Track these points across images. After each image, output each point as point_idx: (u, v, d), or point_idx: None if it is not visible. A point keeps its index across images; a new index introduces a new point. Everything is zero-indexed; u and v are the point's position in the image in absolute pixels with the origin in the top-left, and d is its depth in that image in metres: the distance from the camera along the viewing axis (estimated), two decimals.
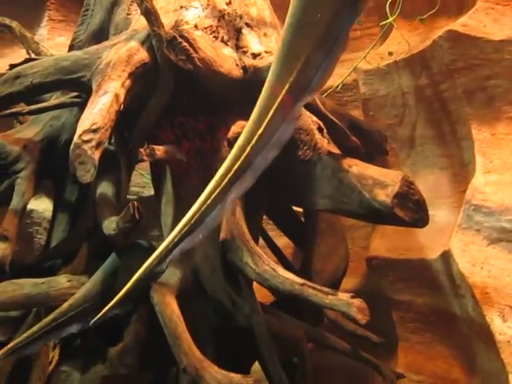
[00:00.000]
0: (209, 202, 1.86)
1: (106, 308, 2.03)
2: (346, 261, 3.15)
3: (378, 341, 2.85)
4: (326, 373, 3.35)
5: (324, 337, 2.83)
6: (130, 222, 2.10)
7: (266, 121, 1.86)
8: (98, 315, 2.07)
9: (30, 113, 2.79)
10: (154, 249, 2.62)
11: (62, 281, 2.44)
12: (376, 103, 3.23)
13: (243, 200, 2.42)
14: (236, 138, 1.98)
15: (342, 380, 3.44)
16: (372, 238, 3.38)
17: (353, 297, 2.04)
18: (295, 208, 3.23)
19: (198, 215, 1.86)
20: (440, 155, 3.09)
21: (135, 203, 2.09)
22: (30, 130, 2.84)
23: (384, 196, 2.25)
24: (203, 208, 1.86)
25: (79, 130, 2.07)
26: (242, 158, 1.85)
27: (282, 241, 3.46)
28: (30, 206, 2.94)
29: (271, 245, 3.22)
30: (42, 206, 3.13)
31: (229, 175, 1.84)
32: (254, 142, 1.87)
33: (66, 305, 2.31)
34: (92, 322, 2.13)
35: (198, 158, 2.56)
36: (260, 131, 1.89)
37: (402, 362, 3.25)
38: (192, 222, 1.88)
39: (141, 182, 3.60)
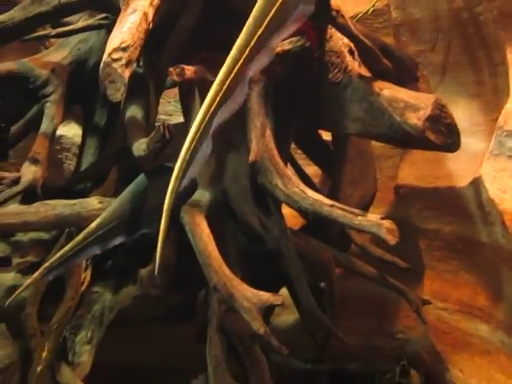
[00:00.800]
0: (227, 82, 1.68)
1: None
2: (374, 188, 3.14)
3: (406, 266, 2.86)
4: (351, 300, 3.40)
5: (351, 262, 2.85)
6: (159, 142, 2.09)
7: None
8: None
9: (58, 35, 2.77)
10: None
11: (93, 202, 2.46)
12: (408, 28, 3.15)
13: (273, 123, 2.41)
14: None
15: (367, 307, 3.48)
16: (400, 168, 3.35)
17: (382, 218, 2.04)
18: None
19: (219, 95, 1.67)
20: (473, 82, 3.02)
21: (165, 123, 2.08)
22: (58, 54, 2.82)
23: (415, 119, 2.22)
24: (224, 86, 1.68)
25: (108, 49, 2.05)
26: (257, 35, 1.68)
27: (310, 170, 3.46)
28: (59, 132, 2.96)
29: (300, 172, 3.21)
30: (71, 131, 3.14)
31: (244, 55, 1.66)
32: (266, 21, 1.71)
33: (94, 224, 2.32)
34: None
35: None
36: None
37: (428, 289, 3.27)
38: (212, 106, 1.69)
39: (168, 109, 3.59)
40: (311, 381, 3.06)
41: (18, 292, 2.26)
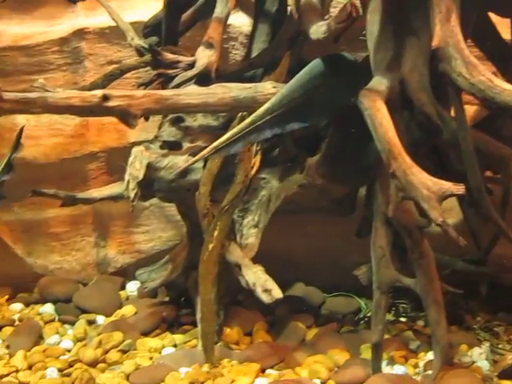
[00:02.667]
0: None
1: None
2: None
3: None
4: None
5: None
6: (344, 22, 2.03)
7: None
8: None
9: None
10: (357, 63, 2.60)
11: (267, 86, 2.46)
12: None
13: (459, 8, 2.25)
14: None
15: None
16: None
17: None
18: None
19: None
20: None
21: (352, 1, 2.00)
22: None
23: None
24: None
25: None
26: None
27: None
28: None
29: None
30: (239, 20, 3.12)
31: None
32: None
33: (262, 109, 2.31)
34: None
35: None
36: None
37: None
38: None
39: None
40: (472, 283, 2.99)
41: (187, 164, 2.33)
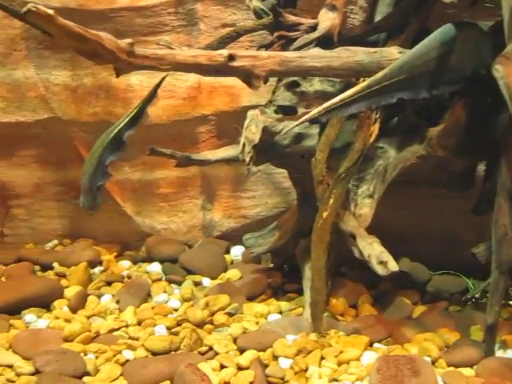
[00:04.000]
0: None
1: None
2: None
3: None
4: None
5: None
6: None
7: None
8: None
9: None
10: (486, 31, 2.45)
11: (393, 52, 2.36)
12: None
13: None
14: None
15: None
16: None
17: None
18: None
19: None
20: None
21: None
22: None
23: None
24: None
25: None
26: None
27: None
28: None
29: None
30: None
31: None
32: None
33: (380, 73, 2.21)
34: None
35: None
36: None
37: None
38: None
39: None
40: None
41: (294, 125, 2.27)
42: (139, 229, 3.47)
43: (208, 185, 3.47)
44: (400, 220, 3.14)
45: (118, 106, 3.39)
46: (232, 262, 3.32)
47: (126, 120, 2.88)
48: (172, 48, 2.09)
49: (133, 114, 2.88)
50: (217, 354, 2.48)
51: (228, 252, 3.39)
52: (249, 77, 2.19)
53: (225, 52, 2.13)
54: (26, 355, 2.46)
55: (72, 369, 2.33)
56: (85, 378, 2.34)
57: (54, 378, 2.27)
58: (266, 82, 2.62)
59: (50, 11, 1.72)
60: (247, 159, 2.55)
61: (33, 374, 2.35)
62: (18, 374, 2.35)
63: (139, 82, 3.37)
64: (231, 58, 2.13)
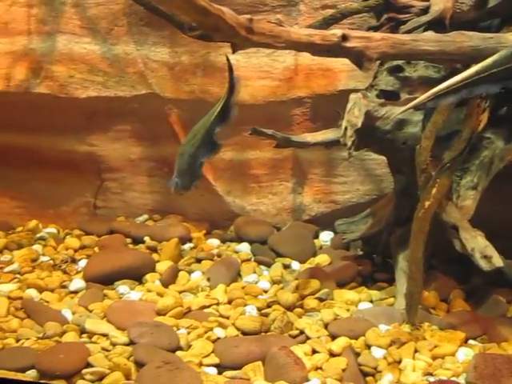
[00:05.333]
0: None
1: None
2: None
3: None
4: None
5: None
6: None
7: None
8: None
9: None
10: None
11: (510, 38, 2.26)
12: None
13: None
14: None
15: None
16: None
17: None
18: None
19: None
20: None
21: None
22: None
23: None
24: None
25: None
26: None
27: None
28: None
29: None
30: None
31: None
32: None
33: (490, 60, 2.11)
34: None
35: None
36: None
37: None
38: None
39: None
40: None
41: (402, 110, 2.20)
42: (228, 208, 3.47)
43: (300, 168, 3.44)
44: (500, 214, 3.03)
45: (214, 85, 3.39)
46: (321, 247, 3.28)
47: (223, 102, 2.85)
48: (282, 26, 2.05)
49: (226, 98, 2.84)
50: (308, 338, 2.46)
51: (316, 237, 3.35)
52: (360, 58, 2.14)
53: (338, 32, 2.08)
54: (120, 325, 2.50)
55: (167, 342, 2.35)
56: (178, 353, 2.36)
57: (149, 350, 2.30)
58: (382, 65, 2.56)
59: None
60: (349, 143, 2.50)
61: (127, 345, 2.39)
62: (113, 344, 2.39)
63: (236, 61, 3.35)
64: (344, 38, 2.08)
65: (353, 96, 2.63)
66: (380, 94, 2.74)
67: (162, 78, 3.39)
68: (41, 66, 3.32)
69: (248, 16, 1.89)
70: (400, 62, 2.74)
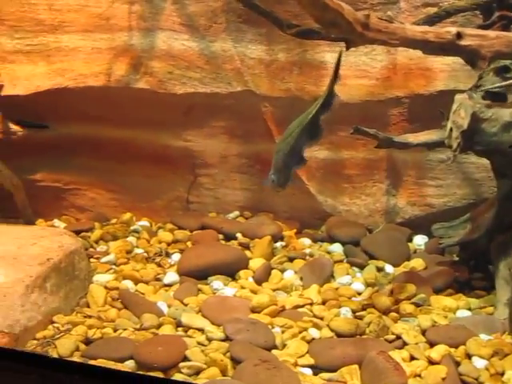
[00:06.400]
0: None
1: None
2: None
3: None
4: None
5: None
6: None
7: None
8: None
9: None
10: None
11: None
12: None
13: None
14: None
15: None
16: None
17: None
18: None
19: None
20: None
21: None
22: None
23: None
24: None
25: None
26: None
27: None
28: None
29: None
30: None
31: None
32: None
33: None
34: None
35: None
36: None
37: None
38: None
39: None
40: None
41: None
42: (320, 208, 3.43)
43: (394, 169, 3.37)
44: None
45: (310, 83, 3.36)
46: (415, 251, 3.20)
47: (321, 102, 2.82)
48: (392, 22, 2.00)
49: (325, 96, 2.82)
50: (405, 344, 2.40)
51: (410, 240, 3.27)
52: (474, 57, 2.07)
53: (453, 29, 2.02)
54: (215, 321, 2.52)
55: (263, 340, 2.35)
56: (273, 351, 2.35)
57: (246, 347, 2.30)
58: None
59: None
60: (454, 145, 2.42)
61: (223, 340, 2.40)
62: (209, 339, 2.41)
63: (333, 59, 3.33)
64: (459, 36, 2.01)
65: (458, 97, 2.54)
66: (486, 95, 2.64)
67: (257, 76, 3.38)
68: (140, 62, 3.37)
69: (365, 12, 1.85)
70: (507, 62, 2.64)
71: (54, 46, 3.44)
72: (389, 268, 3.01)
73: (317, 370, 2.30)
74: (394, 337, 2.45)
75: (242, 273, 2.90)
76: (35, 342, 2.44)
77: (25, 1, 3.46)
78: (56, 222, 3.53)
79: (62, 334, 2.46)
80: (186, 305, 2.66)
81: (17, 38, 3.47)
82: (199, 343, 2.40)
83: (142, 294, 2.80)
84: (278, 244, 3.21)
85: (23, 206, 3.11)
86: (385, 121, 3.30)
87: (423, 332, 2.47)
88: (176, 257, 3.10)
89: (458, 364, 2.28)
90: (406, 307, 2.62)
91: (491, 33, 2.10)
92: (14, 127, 3.45)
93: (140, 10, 3.43)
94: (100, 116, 3.46)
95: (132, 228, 3.44)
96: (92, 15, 3.43)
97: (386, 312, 2.61)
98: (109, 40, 3.42)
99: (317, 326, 2.50)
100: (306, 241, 3.29)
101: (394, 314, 2.61)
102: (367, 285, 2.85)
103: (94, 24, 3.43)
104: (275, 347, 2.38)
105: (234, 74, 3.38)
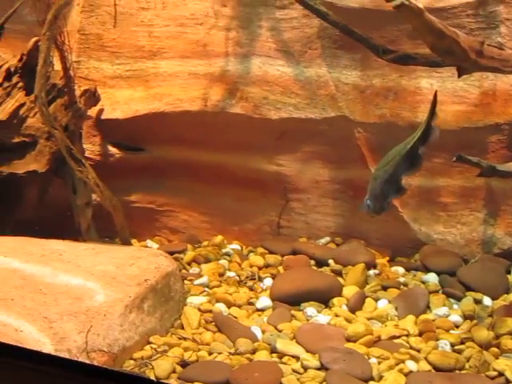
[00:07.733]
0: None
1: None
2: None
3: None
4: None
5: None
6: None
7: None
8: None
9: None
10: None
11: None
12: None
13: None
14: None
15: None
16: None
17: None
18: None
19: None
20: None
21: None
22: None
23: None
24: None
25: None
26: None
27: None
28: None
29: None
30: None
31: None
32: None
33: None
34: None
35: None
36: None
37: None
38: None
39: None
40: None
41: None
42: (414, 236, 3.36)
43: (492, 198, 3.27)
44: None
45: (405, 109, 3.32)
46: None
47: (420, 133, 2.79)
48: (502, 49, 1.96)
49: (424, 129, 2.79)
50: (508, 381, 2.32)
51: (509, 272, 3.15)
52: None
53: None
54: (309, 348, 2.50)
55: (360, 371, 2.32)
56: (370, 383, 2.31)
57: (343, 377, 2.27)
58: None
59: (421, 5, 1.69)
60: None
61: (318, 369, 2.37)
62: (305, 367, 2.39)
63: (429, 85, 3.29)
64: None
65: None
66: None
67: (352, 101, 3.37)
68: (236, 88, 3.43)
69: (480, 39, 1.81)
70: None
71: (152, 71, 3.55)
72: (487, 300, 2.91)
73: None
74: (495, 373, 2.37)
75: (335, 300, 2.87)
76: (132, 362, 2.48)
77: (126, 28, 3.59)
78: (149, 242, 3.60)
79: (159, 355, 2.50)
80: (280, 331, 2.65)
81: (117, 64, 3.60)
82: (294, 371, 2.38)
83: (235, 317, 2.81)
84: (371, 272, 3.16)
85: (121, 227, 3.19)
86: (483, 148, 3.21)
87: None
88: (268, 281, 3.10)
89: None
90: (508, 342, 2.52)
91: None
92: (112, 149, 3.58)
93: (236, 36, 3.50)
94: (195, 140, 3.53)
95: (224, 251, 3.47)
96: (190, 42, 3.52)
97: (486, 347, 2.53)
98: (206, 66, 3.49)
99: (414, 359, 2.44)
100: (400, 269, 3.22)
101: (494, 349, 2.52)
102: (465, 317, 2.76)
103: (191, 50, 3.51)
104: (372, 379, 2.33)
105: (329, 100, 3.38)
